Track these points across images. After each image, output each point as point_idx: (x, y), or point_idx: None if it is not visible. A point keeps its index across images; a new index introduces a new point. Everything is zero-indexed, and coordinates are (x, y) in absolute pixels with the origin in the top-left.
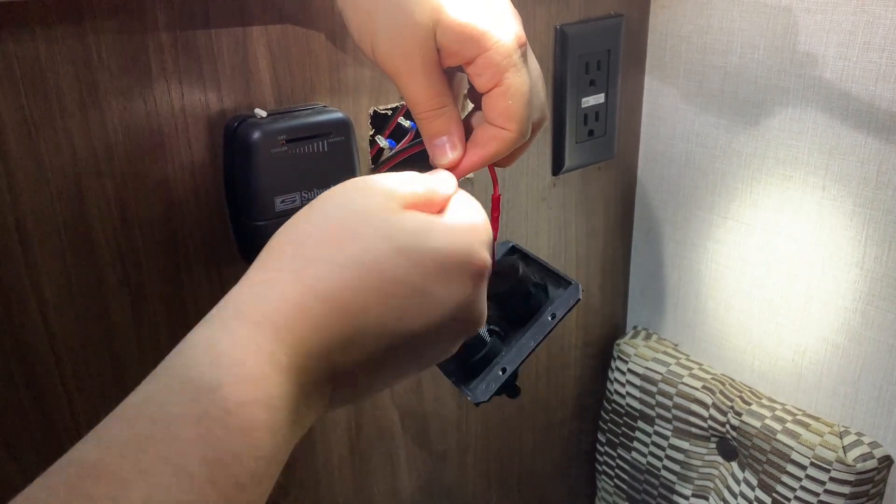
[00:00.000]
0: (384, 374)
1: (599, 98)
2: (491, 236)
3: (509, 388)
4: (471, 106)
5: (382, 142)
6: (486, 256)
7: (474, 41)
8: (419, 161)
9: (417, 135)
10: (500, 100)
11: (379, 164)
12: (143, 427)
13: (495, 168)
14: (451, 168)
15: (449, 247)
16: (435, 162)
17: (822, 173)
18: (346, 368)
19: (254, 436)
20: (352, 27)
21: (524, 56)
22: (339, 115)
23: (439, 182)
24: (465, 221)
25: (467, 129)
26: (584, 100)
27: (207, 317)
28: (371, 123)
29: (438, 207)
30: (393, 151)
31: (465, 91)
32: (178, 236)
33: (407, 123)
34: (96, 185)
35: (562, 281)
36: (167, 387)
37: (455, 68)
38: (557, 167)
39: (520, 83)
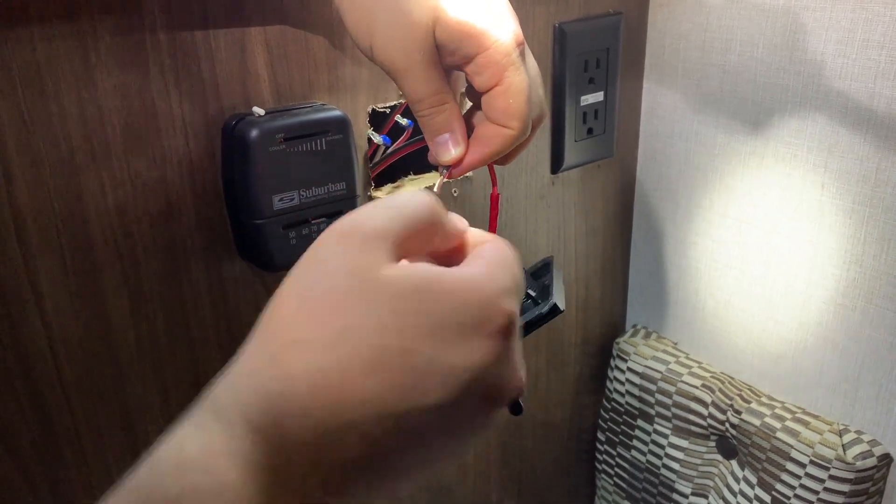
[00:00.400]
0: (399, 468)
1: (598, 96)
2: (520, 277)
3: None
4: (468, 105)
5: (377, 138)
6: (509, 308)
7: (473, 39)
8: (415, 160)
9: (414, 133)
10: (501, 98)
11: (375, 162)
12: None
13: (494, 166)
14: (454, 165)
15: (459, 305)
16: (438, 159)
17: (821, 171)
18: (342, 465)
19: None
20: (350, 25)
21: (522, 54)
22: (337, 112)
23: (445, 216)
24: (479, 269)
25: (468, 128)
26: (582, 98)
27: (190, 411)
28: (369, 121)
29: (446, 240)
30: (390, 150)
31: (463, 90)
32: (177, 235)
33: (404, 122)
34: (94, 183)
35: (546, 293)
36: (135, 487)
37: (452, 68)
38: (556, 165)
39: (519, 81)
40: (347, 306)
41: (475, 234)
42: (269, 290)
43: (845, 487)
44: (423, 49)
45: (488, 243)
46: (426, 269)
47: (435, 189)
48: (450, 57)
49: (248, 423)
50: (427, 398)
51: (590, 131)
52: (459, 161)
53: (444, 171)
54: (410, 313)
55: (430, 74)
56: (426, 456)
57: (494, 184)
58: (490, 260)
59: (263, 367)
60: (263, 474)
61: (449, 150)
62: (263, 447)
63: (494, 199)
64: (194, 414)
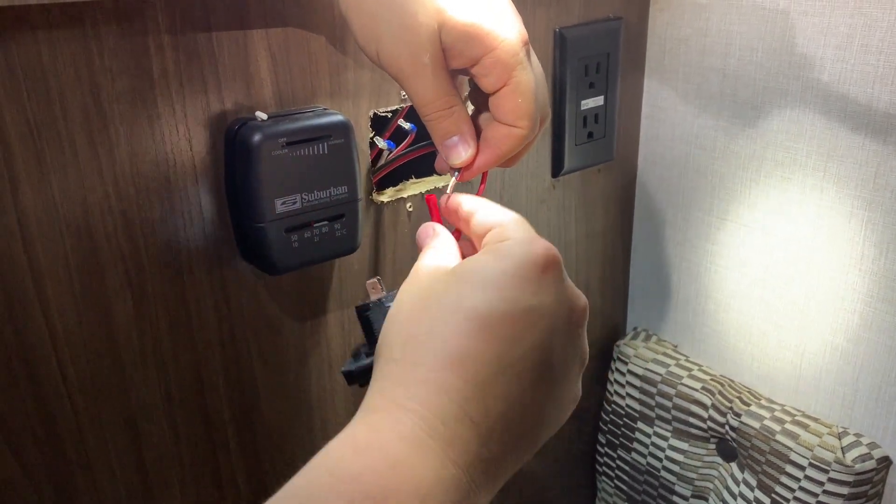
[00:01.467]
0: (537, 403)
1: (599, 100)
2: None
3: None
4: (471, 109)
5: (381, 143)
6: (552, 251)
7: (480, 40)
8: (417, 163)
9: (417, 138)
10: (510, 98)
11: (378, 167)
12: None
13: (499, 168)
14: (465, 167)
15: (512, 261)
16: (449, 161)
17: (820, 175)
18: (499, 423)
19: None
20: (356, 31)
21: (528, 53)
22: (339, 117)
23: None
24: (516, 234)
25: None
26: (583, 102)
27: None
28: (371, 126)
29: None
30: (393, 154)
31: (466, 94)
32: (180, 238)
33: (407, 126)
34: (98, 186)
35: None
36: (313, 479)
37: (459, 70)
38: (557, 169)
39: (527, 80)
40: (441, 293)
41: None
42: (272, 292)
43: (844, 490)
44: (429, 52)
45: (503, 224)
46: (481, 257)
47: (447, 192)
48: (457, 59)
49: (407, 409)
50: (528, 339)
51: (590, 135)
52: (471, 163)
53: (456, 174)
54: (490, 279)
55: (437, 78)
56: (553, 389)
57: (482, 185)
58: (514, 229)
59: (396, 365)
60: (429, 449)
61: (459, 152)
62: (427, 423)
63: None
64: (353, 422)
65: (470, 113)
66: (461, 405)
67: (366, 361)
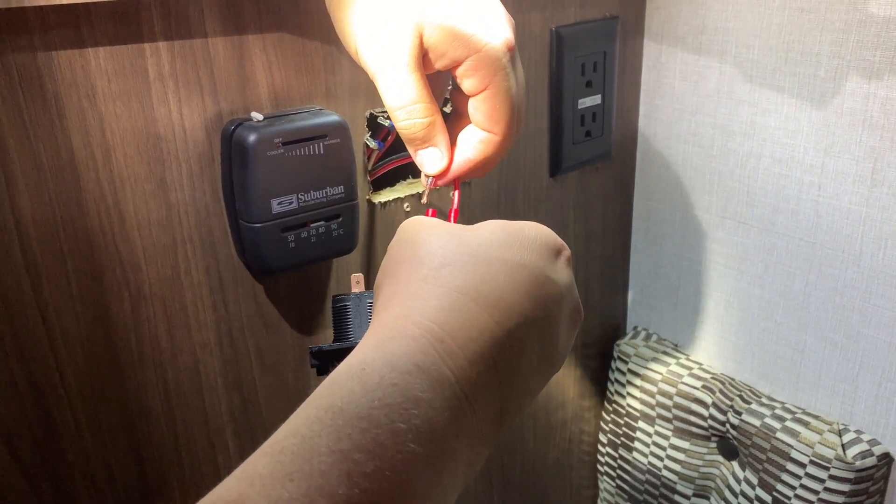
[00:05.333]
0: (537, 381)
1: (596, 99)
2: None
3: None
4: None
5: (372, 143)
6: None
7: (462, 42)
8: (416, 166)
9: None
10: (488, 103)
11: (374, 167)
12: (286, 462)
13: (496, 168)
14: (439, 176)
15: (538, 233)
16: (422, 170)
17: (817, 171)
18: (509, 374)
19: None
20: (337, 25)
21: (513, 60)
22: (335, 117)
23: None
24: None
25: (452, 134)
26: (580, 101)
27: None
28: (367, 126)
29: None
30: (381, 153)
31: (447, 94)
32: (177, 238)
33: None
34: (95, 188)
35: None
36: (311, 417)
37: (439, 73)
38: (555, 168)
39: (508, 87)
40: (469, 233)
41: None
42: (269, 292)
43: (845, 487)
44: (407, 53)
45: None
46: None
47: (422, 200)
48: (439, 60)
49: (428, 333)
50: (548, 306)
51: (588, 134)
52: (444, 173)
53: (430, 180)
54: (518, 237)
55: (411, 80)
56: (550, 368)
57: (455, 191)
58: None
59: (421, 288)
60: (447, 386)
61: (433, 163)
62: (444, 357)
63: (454, 216)
64: (355, 353)
65: (450, 112)
66: (490, 346)
67: (336, 345)
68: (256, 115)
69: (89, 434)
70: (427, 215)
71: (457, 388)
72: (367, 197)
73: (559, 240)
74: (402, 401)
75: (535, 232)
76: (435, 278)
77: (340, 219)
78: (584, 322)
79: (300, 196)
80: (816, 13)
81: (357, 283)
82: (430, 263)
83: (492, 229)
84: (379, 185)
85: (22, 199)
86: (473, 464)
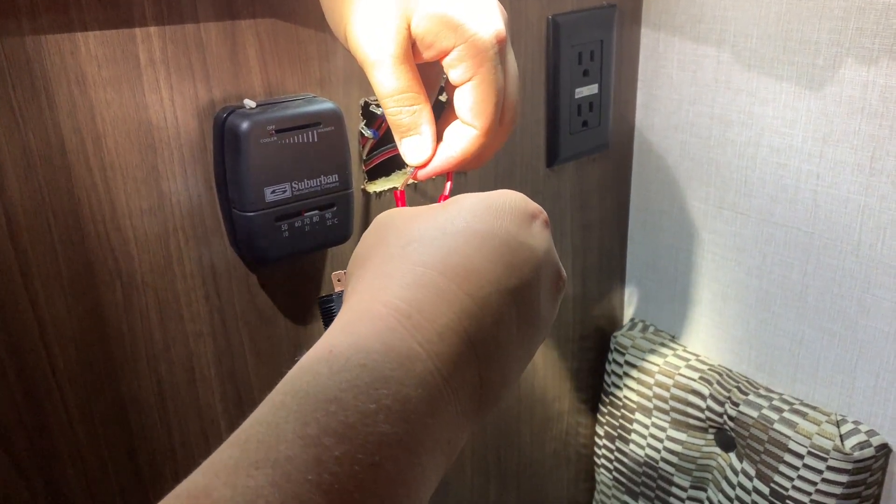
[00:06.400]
0: (518, 353)
1: (593, 88)
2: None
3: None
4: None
5: (367, 132)
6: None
7: (450, 30)
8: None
9: None
10: (471, 94)
11: (370, 156)
12: (251, 451)
13: (460, 171)
14: (421, 167)
15: (513, 200)
16: (404, 158)
17: (816, 161)
18: (486, 346)
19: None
20: (328, 13)
21: (501, 53)
22: (329, 105)
23: None
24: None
25: (440, 128)
26: (577, 90)
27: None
28: (362, 114)
29: None
30: (375, 142)
31: (442, 83)
32: (169, 227)
33: None
34: (85, 175)
35: None
36: (277, 403)
37: (433, 64)
38: (552, 159)
39: (492, 80)
40: (438, 211)
41: None
42: (263, 282)
43: (843, 478)
44: (396, 42)
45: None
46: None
47: (399, 188)
48: (428, 50)
49: (395, 311)
50: (524, 272)
51: (585, 124)
52: (426, 164)
53: (411, 171)
54: (486, 209)
55: (400, 68)
56: (533, 337)
57: (450, 178)
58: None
59: (388, 268)
60: (417, 362)
61: (415, 152)
62: (413, 332)
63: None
64: (325, 336)
65: (445, 103)
66: (461, 318)
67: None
68: (249, 103)
69: (81, 425)
70: (397, 205)
71: (428, 363)
72: (362, 186)
73: (532, 204)
74: (371, 381)
75: (504, 198)
76: (401, 256)
77: (335, 208)
78: (581, 313)
79: (294, 184)
80: (815, 1)
81: (338, 280)
82: (397, 243)
83: (461, 203)
84: (374, 174)
85: (11, 187)
86: (455, 442)
